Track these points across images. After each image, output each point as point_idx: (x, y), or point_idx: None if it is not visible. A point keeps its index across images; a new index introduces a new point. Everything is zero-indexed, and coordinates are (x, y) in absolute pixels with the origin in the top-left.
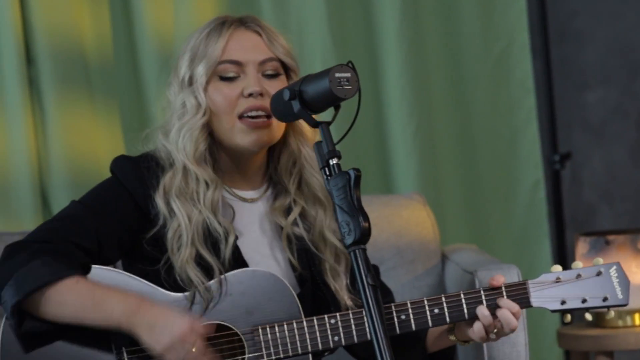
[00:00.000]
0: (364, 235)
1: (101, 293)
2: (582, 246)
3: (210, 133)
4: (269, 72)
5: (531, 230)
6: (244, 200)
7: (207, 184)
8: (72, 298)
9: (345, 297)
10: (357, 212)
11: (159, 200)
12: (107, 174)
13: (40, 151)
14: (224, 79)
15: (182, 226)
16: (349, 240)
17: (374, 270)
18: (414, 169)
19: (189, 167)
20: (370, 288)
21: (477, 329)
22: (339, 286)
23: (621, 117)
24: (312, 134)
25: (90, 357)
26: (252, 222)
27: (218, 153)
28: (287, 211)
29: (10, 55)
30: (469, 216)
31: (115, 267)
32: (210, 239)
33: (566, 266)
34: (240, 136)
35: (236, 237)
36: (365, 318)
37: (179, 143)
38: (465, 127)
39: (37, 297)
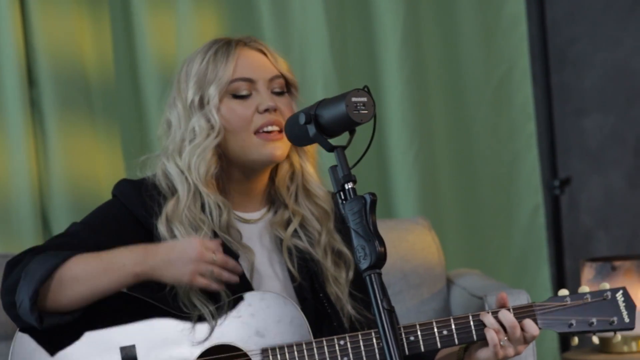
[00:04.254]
0: (380, 260)
1: (107, 255)
2: (588, 272)
3: (219, 156)
4: (277, 90)
5: (530, 255)
6: (245, 221)
7: (219, 207)
8: (82, 269)
9: (348, 306)
10: (373, 236)
11: (162, 228)
12: (108, 196)
13: (41, 173)
14: (237, 97)
15: None
16: (364, 264)
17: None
18: (415, 194)
19: (201, 189)
20: (386, 312)
21: (489, 337)
22: (342, 294)
23: (619, 143)
24: (312, 149)
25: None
26: (253, 241)
27: (227, 174)
28: (287, 223)
29: (12, 77)
30: (469, 241)
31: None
32: None
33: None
34: (256, 150)
35: (238, 256)
36: (376, 341)
37: (192, 166)
38: (465, 152)
39: (50, 285)
